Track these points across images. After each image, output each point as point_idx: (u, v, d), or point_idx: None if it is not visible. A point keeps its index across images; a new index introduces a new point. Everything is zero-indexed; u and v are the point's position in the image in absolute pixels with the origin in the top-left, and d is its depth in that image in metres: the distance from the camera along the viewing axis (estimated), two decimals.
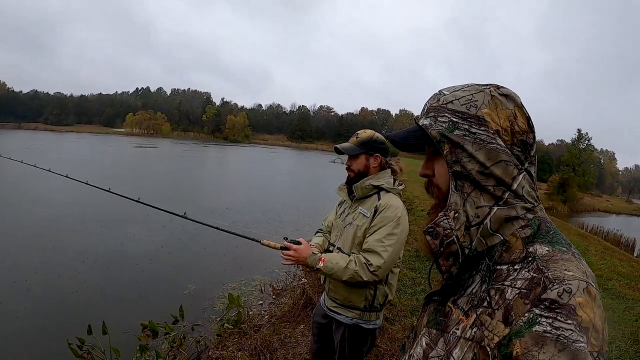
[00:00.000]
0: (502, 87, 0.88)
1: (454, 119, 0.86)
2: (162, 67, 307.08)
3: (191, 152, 51.69)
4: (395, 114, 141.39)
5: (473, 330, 0.78)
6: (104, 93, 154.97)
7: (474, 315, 0.80)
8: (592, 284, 0.72)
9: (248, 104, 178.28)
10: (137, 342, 4.65)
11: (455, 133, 0.85)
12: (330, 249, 2.54)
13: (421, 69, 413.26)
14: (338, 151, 2.47)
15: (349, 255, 2.28)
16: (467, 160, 0.84)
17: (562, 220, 21.16)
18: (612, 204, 61.18)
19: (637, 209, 57.49)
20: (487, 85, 0.88)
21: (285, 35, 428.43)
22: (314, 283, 5.72)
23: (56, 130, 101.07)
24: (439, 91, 0.93)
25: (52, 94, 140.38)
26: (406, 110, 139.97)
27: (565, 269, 0.73)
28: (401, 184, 2.48)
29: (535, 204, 0.87)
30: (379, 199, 2.35)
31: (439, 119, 0.88)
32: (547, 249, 0.79)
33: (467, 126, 0.85)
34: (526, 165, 0.86)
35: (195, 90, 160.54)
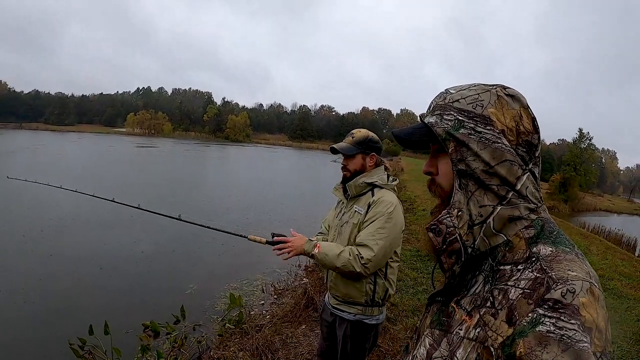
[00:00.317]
0: (509, 87, 0.88)
1: (460, 118, 0.86)
2: (163, 67, 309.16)
3: (192, 151, 51.81)
4: (397, 114, 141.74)
5: (476, 331, 0.78)
6: (105, 93, 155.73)
7: (478, 316, 0.80)
8: (596, 284, 0.72)
9: (249, 104, 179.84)
10: (139, 342, 4.65)
11: (460, 131, 0.85)
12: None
13: (421, 68, 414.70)
14: (334, 151, 2.48)
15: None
16: (471, 159, 0.84)
17: (563, 220, 21.14)
18: (613, 203, 61.06)
19: (639, 208, 57.43)
20: (493, 85, 0.89)
21: (285, 35, 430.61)
22: (315, 283, 5.73)
23: (57, 130, 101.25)
24: (446, 90, 0.93)
25: (53, 94, 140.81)
26: (407, 110, 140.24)
27: (569, 270, 0.72)
28: (395, 180, 2.51)
29: (539, 204, 0.87)
30: (373, 195, 2.38)
31: (444, 117, 0.88)
32: (550, 249, 0.78)
33: (472, 125, 0.85)
34: (530, 165, 0.86)
35: (197, 90, 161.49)
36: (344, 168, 2.48)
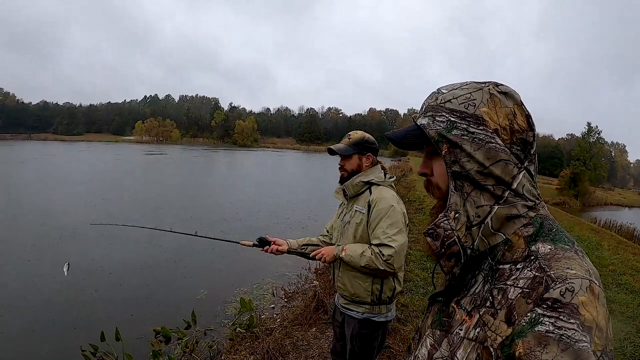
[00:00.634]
0: (501, 84, 0.87)
1: (452, 119, 0.85)
2: (168, 73, 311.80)
3: (201, 157, 52.01)
4: (404, 114, 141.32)
5: (476, 331, 0.78)
6: (112, 102, 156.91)
7: (477, 316, 0.79)
8: (596, 282, 0.71)
9: (256, 108, 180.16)
10: (150, 348, 4.66)
11: (453, 133, 0.84)
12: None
13: (425, 68, 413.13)
14: (332, 152, 2.57)
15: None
16: (465, 160, 0.84)
17: (574, 215, 20.83)
18: (624, 197, 60.17)
19: None
20: (486, 83, 0.88)
21: (290, 38, 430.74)
22: (325, 285, 5.72)
23: (66, 140, 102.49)
24: (437, 90, 0.92)
25: (61, 104, 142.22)
26: (414, 110, 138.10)
27: (568, 268, 0.72)
28: (392, 177, 2.61)
29: (537, 202, 0.86)
30: (371, 193, 2.47)
31: (437, 118, 0.87)
32: (549, 247, 0.78)
33: (465, 126, 0.84)
34: (526, 163, 0.85)
35: (204, 96, 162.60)
36: (342, 168, 2.58)
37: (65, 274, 5.47)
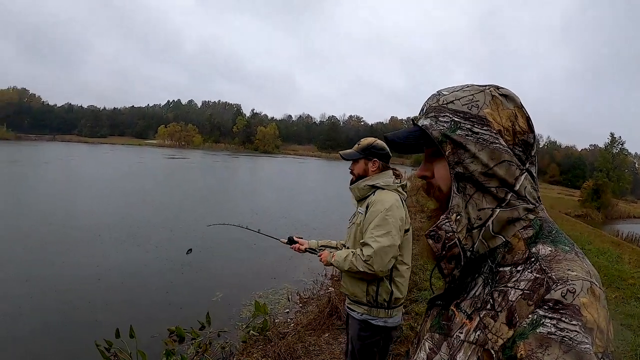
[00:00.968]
0: (502, 87, 0.88)
1: (456, 119, 0.85)
2: (191, 79, 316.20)
3: (222, 162, 52.46)
4: None
5: (477, 334, 0.77)
6: (136, 106, 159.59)
7: (477, 318, 0.79)
8: (597, 283, 0.70)
9: (278, 115, 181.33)
10: (164, 347, 4.74)
11: (457, 133, 0.84)
12: (343, 249, 2.79)
13: (450, 76, 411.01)
14: (342, 157, 2.75)
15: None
16: (469, 161, 0.83)
17: (595, 228, 20.41)
18: None
19: None
20: (486, 85, 0.88)
21: (313, 45, 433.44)
22: (339, 292, 5.71)
23: (89, 142, 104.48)
24: (438, 91, 0.92)
25: (85, 107, 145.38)
26: None
27: (569, 269, 0.71)
28: (402, 182, 2.72)
29: (537, 204, 0.86)
30: (374, 196, 2.58)
31: (440, 119, 0.87)
32: (549, 249, 0.77)
33: (469, 126, 0.83)
34: (527, 165, 0.85)
35: (226, 102, 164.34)
36: (351, 172, 2.74)
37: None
